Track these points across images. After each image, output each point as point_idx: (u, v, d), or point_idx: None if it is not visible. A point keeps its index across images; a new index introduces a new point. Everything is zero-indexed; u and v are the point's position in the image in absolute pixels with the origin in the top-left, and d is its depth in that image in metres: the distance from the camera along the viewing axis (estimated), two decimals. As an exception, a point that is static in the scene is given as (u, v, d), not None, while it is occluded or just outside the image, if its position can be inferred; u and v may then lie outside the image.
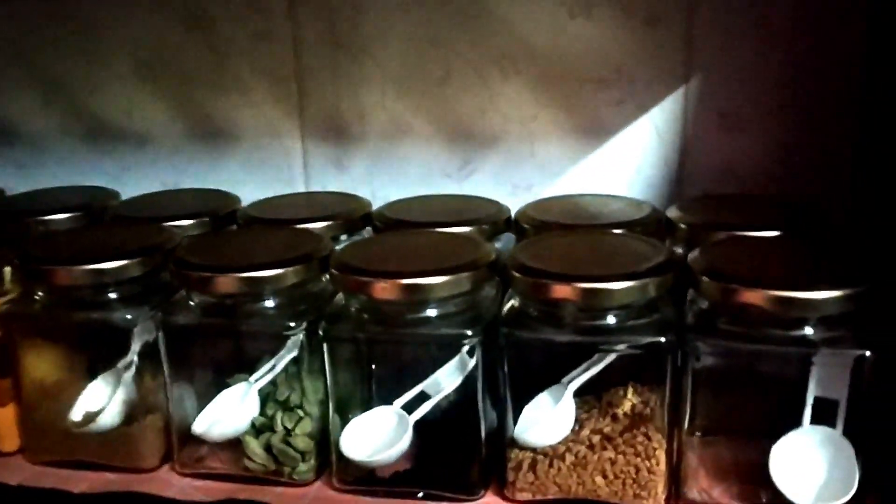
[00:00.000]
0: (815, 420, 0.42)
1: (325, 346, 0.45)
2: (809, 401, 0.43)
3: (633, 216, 0.52)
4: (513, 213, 0.55)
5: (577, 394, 0.44)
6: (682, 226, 0.50)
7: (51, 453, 0.50)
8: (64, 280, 0.47)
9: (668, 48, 0.56)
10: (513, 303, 0.45)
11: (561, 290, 0.41)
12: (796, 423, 0.42)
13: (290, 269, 0.46)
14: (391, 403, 0.45)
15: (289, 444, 0.47)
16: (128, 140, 0.66)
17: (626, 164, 0.59)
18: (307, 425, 0.47)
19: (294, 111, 0.63)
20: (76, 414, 0.48)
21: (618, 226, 0.50)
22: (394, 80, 0.61)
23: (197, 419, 0.47)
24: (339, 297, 0.46)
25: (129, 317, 0.47)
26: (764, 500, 0.43)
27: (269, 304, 0.46)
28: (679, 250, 0.51)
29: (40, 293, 0.48)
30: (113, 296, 0.48)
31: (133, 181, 0.66)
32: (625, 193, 0.59)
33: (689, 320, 0.43)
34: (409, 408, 0.45)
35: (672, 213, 0.52)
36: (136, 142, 0.66)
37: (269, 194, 0.63)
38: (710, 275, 0.42)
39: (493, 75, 0.59)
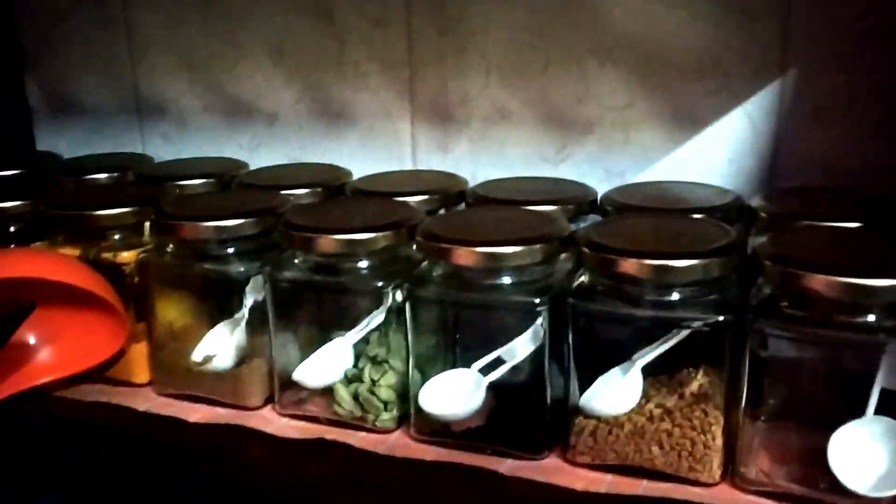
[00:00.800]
0: (879, 411, 0.43)
1: (407, 305, 0.49)
2: (875, 391, 0.43)
3: (713, 202, 0.54)
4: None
5: (652, 374, 0.46)
6: (763, 215, 0.52)
7: (173, 387, 0.57)
8: (189, 234, 0.53)
9: (764, 40, 0.57)
10: (583, 278, 0.48)
11: (625, 265, 0.44)
12: (859, 412, 0.43)
13: (382, 234, 0.50)
14: (468, 364, 0.49)
15: (373, 393, 0.52)
16: (259, 117, 0.73)
17: (719, 154, 0.60)
18: (391, 378, 0.52)
19: (405, 95, 0.68)
20: (196, 355, 0.55)
21: (696, 211, 0.52)
22: (497, 68, 0.64)
23: (298, 367, 0.52)
24: (425, 263, 0.51)
25: (242, 269, 0.53)
26: (822, 486, 0.44)
27: (363, 264, 0.51)
28: (762, 239, 0.52)
29: (171, 246, 0.55)
30: (230, 250, 0.54)
31: (262, 155, 0.73)
32: (716, 183, 0.60)
33: (752, 303, 0.45)
34: (485, 370, 0.49)
35: (755, 202, 0.53)
36: (266, 119, 0.73)
37: (381, 169, 0.68)
38: (774, 259, 0.43)
39: (591, 64, 0.62)
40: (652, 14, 0.59)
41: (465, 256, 0.47)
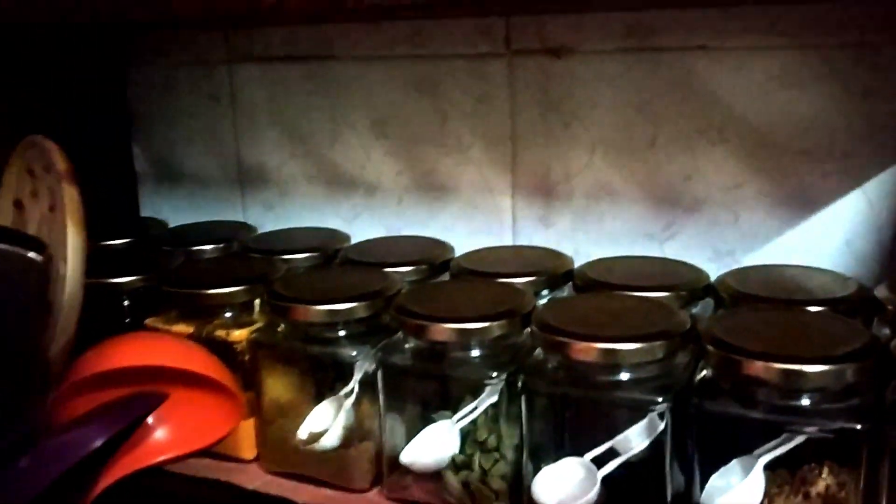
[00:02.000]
0: None
1: (522, 397, 0.49)
2: None
3: (836, 293, 0.52)
4: (713, 278, 0.57)
5: (770, 468, 0.45)
6: (890, 307, 0.50)
7: (280, 465, 0.57)
8: (302, 317, 0.54)
9: (883, 121, 0.55)
10: (705, 373, 0.47)
11: (754, 368, 0.43)
12: None
13: (496, 323, 0.50)
14: (582, 455, 0.48)
15: (485, 483, 0.51)
16: (360, 188, 0.74)
17: (835, 236, 0.58)
18: (502, 467, 0.51)
19: (507, 170, 0.68)
20: (303, 433, 0.55)
21: (819, 303, 0.51)
22: (601, 144, 0.64)
23: (404, 450, 0.52)
24: (539, 351, 0.50)
25: (353, 353, 0.54)
26: None
27: (475, 353, 0.51)
28: (886, 331, 0.50)
29: (282, 325, 0.56)
30: (341, 333, 0.55)
31: (363, 225, 0.74)
32: (832, 266, 0.58)
33: (888, 407, 0.43)
34: (599, 462, 0.48)
35: (880, 291, 0.51)
36: (367, 190, 0.74)
37: (481, 243, 0.68)
38: (912, 364, 0.41)
39: (699, 142, 0.61)
40: (764, 93, 0.58)
41: (583, 352, 0.46)
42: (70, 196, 0.45)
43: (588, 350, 0.46)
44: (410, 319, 0.51)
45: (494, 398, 0.51)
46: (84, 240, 0.47)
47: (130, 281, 0.62)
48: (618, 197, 0.64)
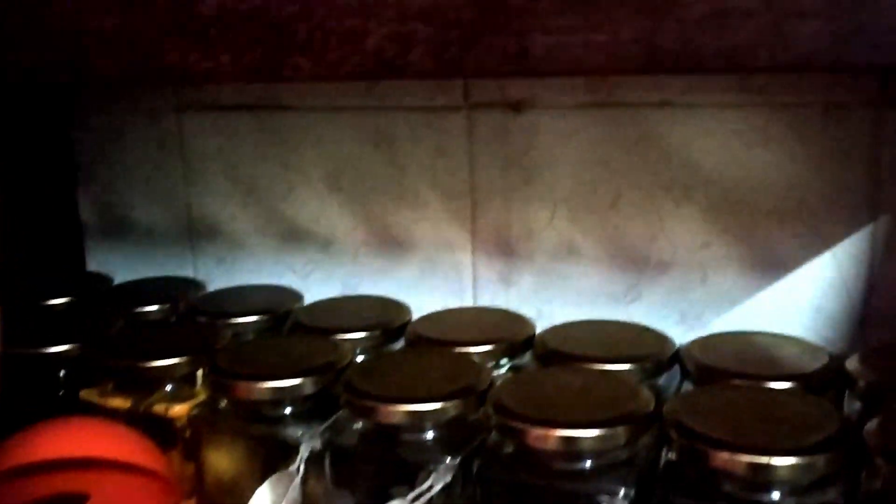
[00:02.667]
0: None
1: (477, 484, 0.46)
2: None
3: (806, 366, 0.50)
4: (680, 341, 0.54)
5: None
6: (862, 382, 0.47)
7: (225, 547, 0.54)
8: (245, 394, 0.51)
9: (852, 184, 0.54)
10: (670, 457, 0.44)
11: (719, 459, 0.40)
12: None
13: (450, 403, 0.47)
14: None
15: (439, 572, 0.48)
16: (314, 243, 0.71)
17: (805, 299, 0.56)
18: (457, 555, 0.48)
19: (466, 226, 0.65)
20: (247, 513, 0.52)
21: (789, 378, 0.48)
22: (564, 202, 0.62)
23: (354, 532, 0.49)
24: (495, 434, 0.47)
25: (299, 433, 0.50)
26: None
27: (428, 435, 0.48)
28: (857, 405, 0.48)
29: (224, 402, 0.53)
30: (287, 410, 0.51)
31: (316, 280, 0.71)
32: (803, 330, 0.56)
33: (863, 499, 0.40)
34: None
35: (852, 364, 0.49)
36: (322, 245, 0.71)
37: (439, 302, 0.65)
38: (886, 455, 0.39)
39: (665, 201, 0.59)
40: (731, 152, 0.56)
41: (541, 439, 0.43)
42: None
43: (546, 437, 0.43)
44: (359, 400, 0.48)
45: (448, 479, 0.48)
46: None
47: (66, 350, 0.59)
48: (581, 256, 0.62)
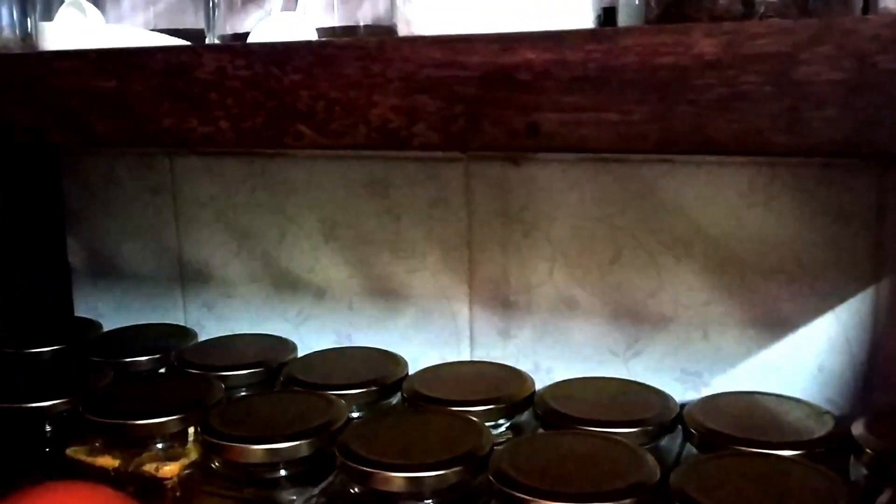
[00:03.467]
0: None
1: (478, 556, 0.45)
2: None
3: (812, 432, 0.49)
4: (681, 398, 0.54)
5: None
6: (869, 450, 0.47)
7: None
8: (238, 457, 0.50)
9: (855, 244, 0.53)
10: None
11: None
12: None
13: (450, 470, 0.46)
14: None
15: None
16: (308, 291, 0.70)
17: (807, 360, 0.56)
18: None
19: (464, 278, 0.64)
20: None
21: (795, 445, 0.47)
22: (563, 255, 0.61)
23: None
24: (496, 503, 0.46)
25: (293, 497, 0.49)
26: None
27: (427, 502, 0.47)
28: (863, 471, 0.47)
29: (216, 462, 0.51)
30: (282, 473, 0.50)
31: (310, 329, 0.70)
32: (805, 390, 0.55)
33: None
34: None
35: (857, 430, 0.48)
36: (316, 294, 0.70)
37: (435, 354, 0.64)
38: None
39: (665, 258, 0.58)
40: (733, 210, 0.55)
41: (545, 514, 0.42)
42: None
43: (550, 513, 0.42)
44: (356, 465, 0.47)
45: (447, 548, 0.46)
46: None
47: (53, 405, 0.57)
48: (580, 311, 0.61)
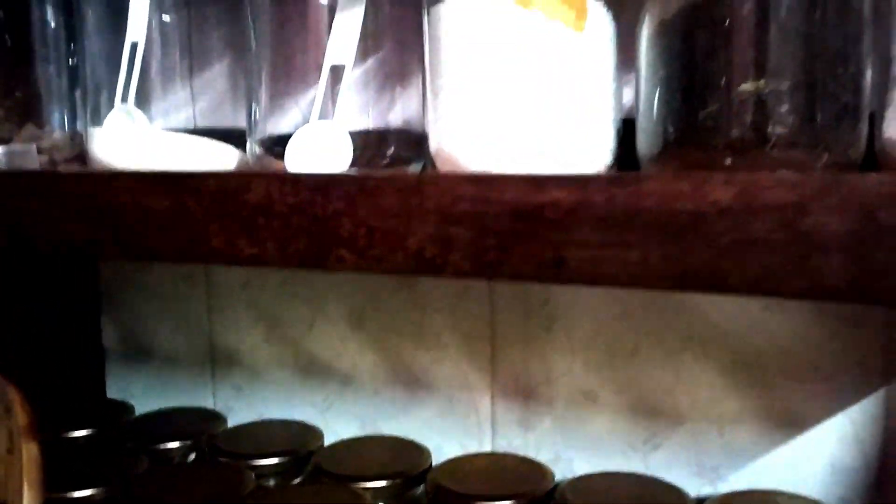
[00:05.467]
0: None
1: None
2: None
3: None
4: (697, 493, 0.55)
5: None
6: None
7: None
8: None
9: (865, 348, 0.55)
10: None
11: None
12: None
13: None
14: None
15: None
16: (334, 378, 0.72)
17: (820, 459, 0.57)
18: None
19: (486, 369, 0.66)
20: None
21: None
22: (583, 350, 0.63)
23: None
24: None
25: None
26: None
27: None
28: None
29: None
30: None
31: (336, 415, 0.72)
32: (817, 487, 0.57)
33: None
34: None
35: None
36: (341, 380, 0.72)
37: (457, 443, 0.66)
38: None
39: (682, 355, 0.60)
40: (748, 313, 0.58)
41: None
42: (29, 454, 0.43)
43: None
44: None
45: None
46: (40, 496, 0.44)
47: (88, 496, 0.59)
48: (599, 404, 0.63)
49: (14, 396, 0.45)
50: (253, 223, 0.41)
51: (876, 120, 0.43)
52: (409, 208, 0.38)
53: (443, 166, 0.48)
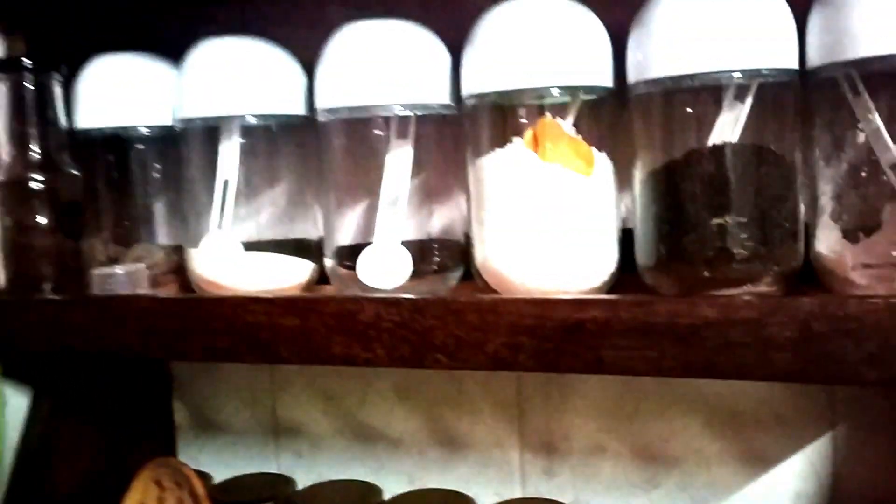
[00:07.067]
0: None
1: None
2: None
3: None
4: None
5: None
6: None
7: None
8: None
9: (815, 403, 0.71)
10: None
11: None
12: None
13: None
14: None
15: None
16: (384, 442, 0.86)
17: (786, 489, 0.73)
18: None
19: (514, 430, 0.81)
20: None
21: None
22: (595, 411, 0.78)
23: None
24: None
25: None
26: None
27: None
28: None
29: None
30: None
31: (387, 474, 0.86)
32: (787, 512, 0.73)
33: None
34: None
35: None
36: (391, 444, 0.86)
37: (492, 492, 0.81)
38: None
39: (675, 411, 0.76)
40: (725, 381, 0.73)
41: None
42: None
43: None
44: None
45: None
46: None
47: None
48: (610, 454, 0.78)
49: (189, 472, 0.58)
50: (366, 336, 0.56)
51: (810, 239, 0.60)
52: (486, 323, 0.53)
53: (489, 278, 0.64)
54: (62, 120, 0.74)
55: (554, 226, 0.61)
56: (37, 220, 0.72)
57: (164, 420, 0.95)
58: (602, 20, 0.63)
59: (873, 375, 0.45)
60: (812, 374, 0.47)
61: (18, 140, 0.71)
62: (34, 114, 0.72)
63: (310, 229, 0.78)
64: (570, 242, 0.61)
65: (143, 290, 0.73)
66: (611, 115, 0.65)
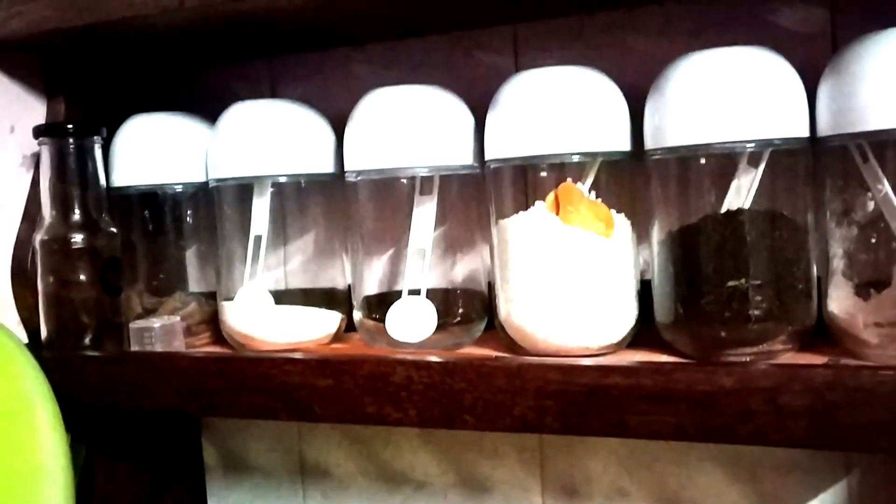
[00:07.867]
0: None
1: None
2: None
3: None
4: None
5: None
6: None
7: None
8: None
9: (831, 451, 0.73)
10: None
11: None
12: None
13: None
14: None
15: None
16: (409, 485, 0.89)
17: (805, 534, 0.75)
18: None
19: (536, 473, 0.84)
20: None
21: None
22: (614, 455, 0.81)
23: None
24: None
25: None
26: None
27: None
28: None
29: None
30: None
31: (411, 516, 0.89)
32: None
33: None
34: None
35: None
36: (416, 486, 0.89)
37: (516, 534, 0.83)
38: None
39: (690, 458, 0.78)
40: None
41: None
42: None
43: None
44: None
45: None
46: None
47: None
48: (630, 497, 0.80)
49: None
50: (398, 397, 0.59)
51: (822, 298, 0.62)
52: (513, 387, 0.56)
53: (512, 333, 0.67)
54: (102, 180, 0.77)
55: (575, 286, 0.63)
56: (77, 276, 0.75)
57: (195, 461, 0.97)
58: (618, 82, 0.66)
59: (885, 443, 0.48)
60: (826, 441, 0.49)
61: (61, 201, 0.74)
62: (76, 175, 0.75)
63: (337, 277, 0.82)
64: (591, 301, 0.63)
65: (179, 342, 0.76)
66: (629, 173, 0.68)
